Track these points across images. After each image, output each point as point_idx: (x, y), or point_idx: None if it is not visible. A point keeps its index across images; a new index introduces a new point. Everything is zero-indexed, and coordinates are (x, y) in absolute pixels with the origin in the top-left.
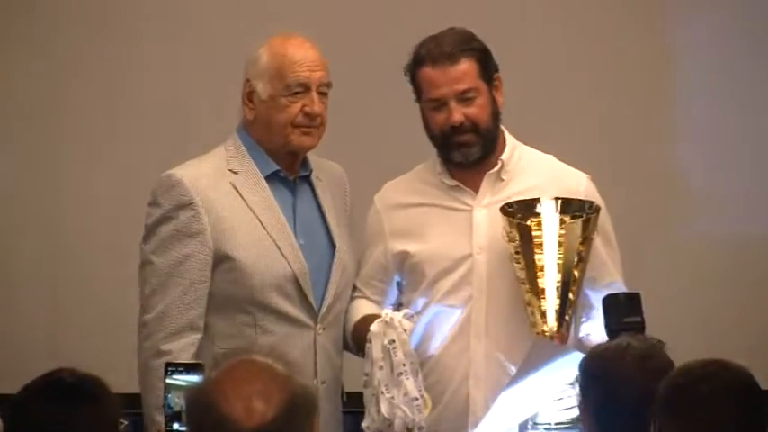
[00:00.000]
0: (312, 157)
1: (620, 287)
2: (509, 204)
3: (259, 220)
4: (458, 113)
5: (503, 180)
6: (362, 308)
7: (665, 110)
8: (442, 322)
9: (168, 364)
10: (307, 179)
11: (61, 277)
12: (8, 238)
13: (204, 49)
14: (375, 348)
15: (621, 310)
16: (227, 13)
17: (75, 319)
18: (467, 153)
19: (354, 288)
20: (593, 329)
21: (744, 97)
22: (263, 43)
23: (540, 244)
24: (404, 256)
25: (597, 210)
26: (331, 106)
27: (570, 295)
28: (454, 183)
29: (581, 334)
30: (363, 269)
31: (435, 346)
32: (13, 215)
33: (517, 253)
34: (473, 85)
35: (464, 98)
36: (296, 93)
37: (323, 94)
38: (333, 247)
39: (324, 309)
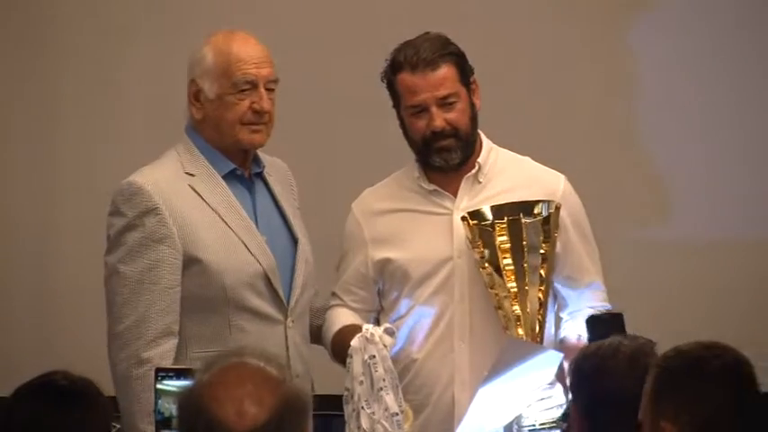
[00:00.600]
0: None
1: (598, 286)
2: (471, 212)
3: (223, 220)
4: (439, 119)
5: (480, 183)
6: (342, 317)
7: (645, 111)
8: (425, 326)
9: (159, 370)
10: (260, 175)
11: (52, 278)
12: None
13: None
14: (356, 364)
15: (605, 330)
16: (223, 11)
17: (67, 320)
18: (447, 158)
19: (333, 295)
20: (575, 330)
21: (728, 99)
22: (206, 41)
23: (504, 249)
24: (384, 263)
25: (558, 208)
26: (304, 109)
27: (540, 295)
28: (432, 187)
29: (562, 334)
30: (343, 276)
31: (419, 350)
32: (4, 214)
33: (482, 258)
34: (453, 90)
35: (445, 103)
36: (243, 90)
37: (270, 90)
38: (293, 240)
39: (293, 302)
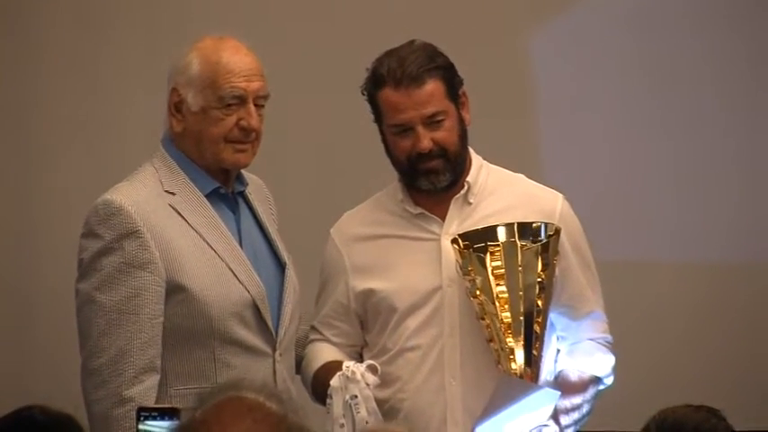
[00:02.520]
0: None
1: (599, 316)
2: (462, 234)
3: (208, 244)
4: (425, 139)
5: (470, 204)
6: (323, 353)
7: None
8: (412, 362)
9: (141, 410)
10: (242, 194)
11: (30, 305)
12: None
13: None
14: (336, 405)
15: None
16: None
17: (45, 350)
18: (435, 180)
19: (313, 329)
20: (572, 365)
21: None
22: (192, 47)
23: (498, 275)
24: (368, 294)
25: (557, 232)
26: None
27: (536, 328)
28: (419, 210)
29: (559, 368)
30: (323, 309)
31: (408, 388)
32: None
33: (473, 285)
34: (441, 107)
35: (432, 122)
36: (230, 105)
37: (260, 107)
38: (279, 265)
39: (281, 333)
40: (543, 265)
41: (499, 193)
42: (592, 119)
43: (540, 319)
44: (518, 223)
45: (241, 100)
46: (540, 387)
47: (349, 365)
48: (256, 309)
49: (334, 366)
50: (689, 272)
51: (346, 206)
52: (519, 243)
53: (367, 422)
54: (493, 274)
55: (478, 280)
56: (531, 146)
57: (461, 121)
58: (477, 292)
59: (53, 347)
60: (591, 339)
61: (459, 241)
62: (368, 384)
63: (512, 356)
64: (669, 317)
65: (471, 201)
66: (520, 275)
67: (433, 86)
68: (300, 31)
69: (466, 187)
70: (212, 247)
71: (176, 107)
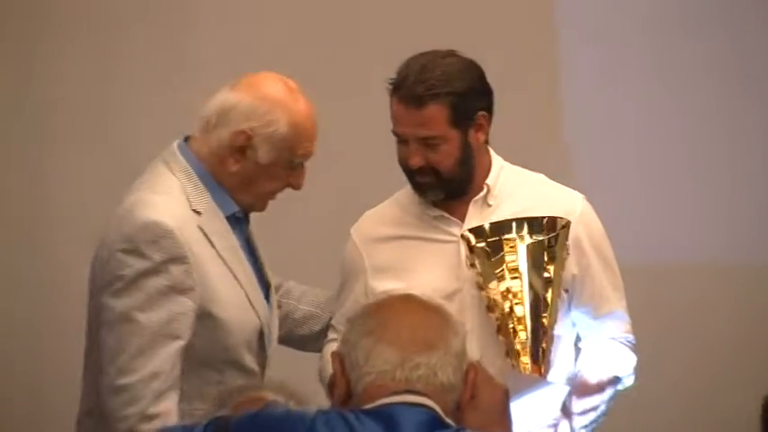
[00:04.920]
0: None
1: (622, 315)
2: (472, 229)
3: (230, 270)
4: (417, 157)
5: (490, 206)
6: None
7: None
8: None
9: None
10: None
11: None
12: None
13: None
14: None
15: None
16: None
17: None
18: (426, 194)
19: (332, 328)
20: (592, 364)
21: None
22: (278, 100)
23: (507, 269)
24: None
25: (567, 225)
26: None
27: (544, 321)
28: (438, 212)
29: (578, 368)
30: (342, 308)
31: None
32: None
33: (481, 279)
34: (437, 132)
35: (427, 144)
36: (295, 167)
37: None
38: (265, 284)
39: (270, 352)
40: (550, 258)
41: (519, 195)
42: (616, 121)
43: (547, 313)
44: (528, 218)
45: (299, 162)
46: (548, 382)
47: None
48: (261, 333)
49: None
50: (718, 274)
51: (370, 205)
52: (527, 237)
53: None
54: (501, 268)
55: (487, 274)
56: (554, 146)
57: (465, 146)
58: (486, 286)
59: (66, 347)
60: (612, 339)
61: (470, 236)
62: None
63: (520, 349)
64: (697, 319)
65: (491, 203)
66: (528, 269)
67: (434, 111)
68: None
69: (485, 189)
70: (234, 275)
71: (240, 150)
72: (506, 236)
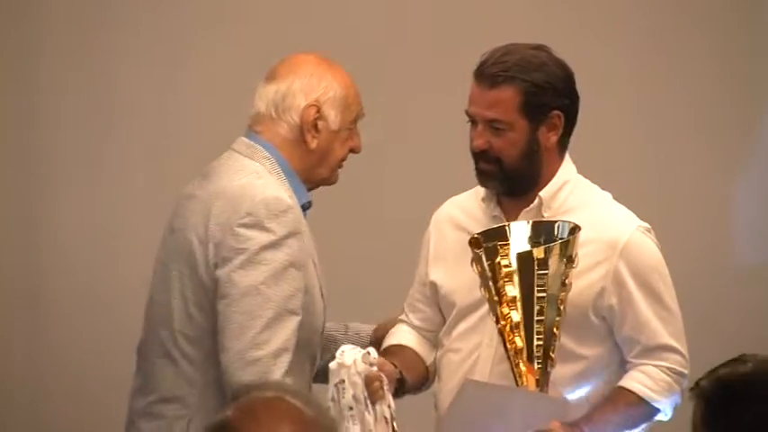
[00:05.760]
0: None
1: (672, 349)
2: (482, 232)
3: (313, 260)
4: (480, 139)
5: (543, 218)
6: (396, 336)
7: None
8: (452, 364)
9: None
10: None
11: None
12: None
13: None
14: (330, 386)
15: None
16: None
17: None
18: (486, 183)
19: (403, 309)
20: (622, 380)
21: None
22: (321, 67)
23: (507, 273)
24: (435, 286)
25: (573, 231)
26: None
27: (539, 328)
28: (496, 212)
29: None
30: (411, 290)
31: (443, 389)
32: None
33: (483, 279)
34: (505, 117)
35: (493, 127)
36: (352, 127)
37: None
38: None
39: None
40: (542, 265)
41: (576, 213)
42: (616, 120)
43: (542, 318)
44: (533, 222)
45: (356, 123)
46: (514, 390)
47: (344, 350)
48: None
49: (391, 350)
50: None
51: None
52: (527, 243)
53: (351, 408)
54: (499, 272)
55: (487, 276)
56: None
57: (532, 140)
58: (486, 289)
59: (67, 346)
60: (656, 366)
61: (482, 240)
62: (358, 372)
63: (515, 356)
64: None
65: (545, 215)
66: (523, 276)
67: (505, 94)
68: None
69: (537, 201)
70: (315, 264)
71: (314, 124)
72: (501, 241)
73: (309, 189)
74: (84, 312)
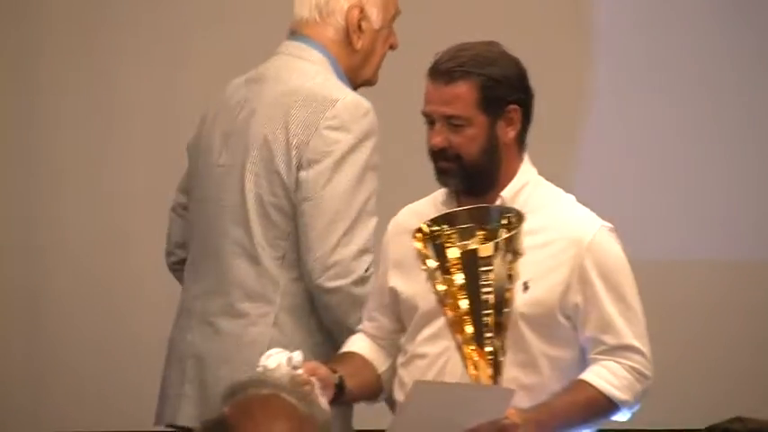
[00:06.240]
0: None
1: (635, 349)
2: (429, 222)
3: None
4: (439, 137)
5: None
6: (349, 344)
7: None
8: (418, 370)
9: None
10: None
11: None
12: None
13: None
14: None
15: None
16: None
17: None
18: (447, 181)
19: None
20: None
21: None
22: None
23: (450, 263)
24: (396, 292)
25: (519, 220)
26: None
27: (487, 320)
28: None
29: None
30: (369, 299)
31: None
32: None
33: (429, 274)
34: (463, 113)
35: (451, 124)
36: (390, 26)
37: None
38: None
39: None
40: (486, 260)
41: (539, 214)
42: (627, 113)
43: (489, 312)
44: (477, 207)
45: (393, 20)
46: (488, 386)
47: (271, 353)
48: None
49: (339, 357)
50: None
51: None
52: (472, 230)
53: None
54: (445, 262)
55: (432, 267)
56: (555, 142)
57: (491, 136)
58: (433, 280)
59: (67, 346)
60: (618, 363)
61: (426, 229)
62: (283, 375)
63: (466, 346)
64: (696, 314)
65: None
66: (470, 265)
67: (462, 89)
68: None
69: (499, 201)
70: None
71: (358, 24)
72: (447, 230)
73: (353, 90)
74: (85, 312)
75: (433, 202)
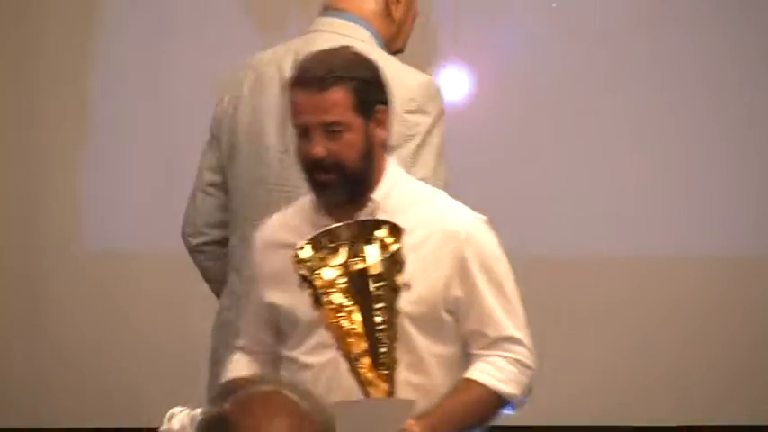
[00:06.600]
0: None
1: (517, 340)
2: (309, 240)
3: None
4: (320, 146)
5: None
6: (231, 369)
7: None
8: (305, 382)
9: None
10: None
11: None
12: None
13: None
14: None
15: None
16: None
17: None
18: (326, 195)
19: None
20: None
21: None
22: None
23: (331, 282)
24: (274, 307)
25: (396, 230)
26: None
27: (379, 336)
28: (324, 223)
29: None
30: (244, 314)
31: None
32: None
33: (312, 294)
34: (342, 118)
35: (330, 131)
36: None
37: None
38: None
39: None
40: (376, 278)
41: (411, 212)
42: (615, 119)
43: (383, 327)
44: (359, 222)
45: None
46: (386, 399)
47: (173, 412)
48: None
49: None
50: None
51: None
52: (355, 245)
53: None
54: (332, 285)
55: (316, 285)
56: (544, 140)
57: (367, 138)
58: (321, 305)
59: (67, 346)
60: (502, 357)
61: (301, 254)
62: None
63: (359, 365)
64: (691, 311)
65: (382, 218)
66: (360, 285)
67: (337, 95)
68: None
69: (371, 204)
70: None
71: None
72: (328, 250)
73: None
74: (85, 312)
75: (301, 212)
